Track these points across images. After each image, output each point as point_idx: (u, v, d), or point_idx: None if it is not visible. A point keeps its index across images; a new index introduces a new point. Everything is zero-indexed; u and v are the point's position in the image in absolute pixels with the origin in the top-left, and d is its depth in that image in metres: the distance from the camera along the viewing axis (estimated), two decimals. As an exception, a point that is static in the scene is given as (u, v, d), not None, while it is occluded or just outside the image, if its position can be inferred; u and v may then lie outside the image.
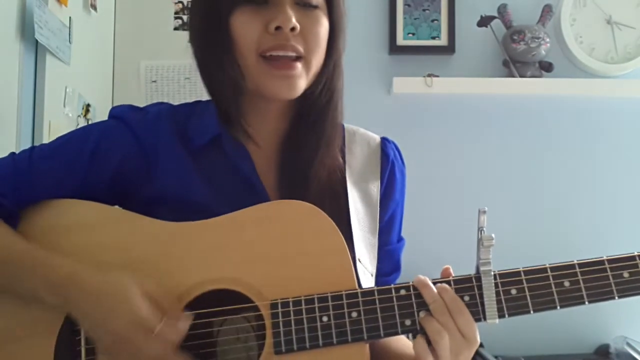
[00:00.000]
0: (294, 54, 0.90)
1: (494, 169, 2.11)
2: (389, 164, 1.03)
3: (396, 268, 1.03)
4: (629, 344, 1.90)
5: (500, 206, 2.05)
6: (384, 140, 1.06)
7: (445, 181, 2.09)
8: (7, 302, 0.87)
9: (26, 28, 1.49)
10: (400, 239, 1.05)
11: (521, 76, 2.04)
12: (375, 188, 0.99)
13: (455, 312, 0.81)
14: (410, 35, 2.12)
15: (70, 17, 1.73)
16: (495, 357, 1.89)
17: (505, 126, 2.12)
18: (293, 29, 0.89)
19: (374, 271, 0.95)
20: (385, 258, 0.99)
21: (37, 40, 1.51)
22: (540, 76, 2.06)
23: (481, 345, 1.96)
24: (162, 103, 1.03)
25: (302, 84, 0.92)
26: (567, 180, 2.11)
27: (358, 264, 0.89)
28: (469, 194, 2.08)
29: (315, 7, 0.92)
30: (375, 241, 0.96)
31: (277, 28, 0.88)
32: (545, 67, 2.06)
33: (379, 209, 0.99)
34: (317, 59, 0.94)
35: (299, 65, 0.91)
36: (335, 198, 0.92)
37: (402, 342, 0.97)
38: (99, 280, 0.83)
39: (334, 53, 0.96)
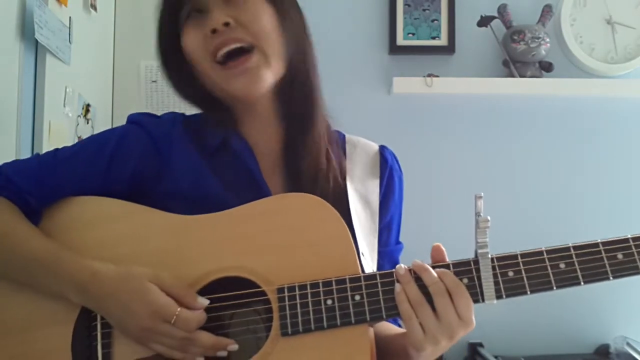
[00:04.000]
0: (239, 44, 0.94)
1: (494, 168, 2.11)
2: (387, 168, 1.07)
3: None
4: (629, 344, 1.90)
5: (500, 205, 2.05)
6: (382, 147, 1.10)
7: (445, 181, 2.09)
8: (27, 292, 0.92)
9: (26, 28, 1.48)
10: (398, 242, 1.08)
11: (521, 76, 2.04)
12: (375, 192, 1.03)
13: (456, 295, 0.83)
14: (410, 35, 2.12)
15: (70, 17, 1.73)
16: (495, 357, 1.89)
17: (505, 126, 2.12)
18: (227, 24, 0.93)
19: (375, 268, 0.97)
20: (384, 259, 1.02)
21: (37, 40, 1.51)
22: (540, 76, 2.06)
23: (481, 345, 1.96)
24: (175, 112, 1.09)
25: (265, 74, 0.95)
26: (567, 180, 2.11)
27: (362, 257, 0.92)
28: (469, 193, 2.07)
29: None
30: (375, 242, 1.00)
31: (213, 31, 0.93)
32: (545, 67, 2.06)
33: (378, 211, 1.02)
34: (273, 45, 0.96)
35: (253, 57, 0.94)
36: (337, 202, 0.94)
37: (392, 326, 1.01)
38: (117, 278, 0.87)
39: (288, 38, 0.98)
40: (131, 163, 0.98)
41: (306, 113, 1.00)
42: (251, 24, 0.94)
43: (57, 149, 1.01)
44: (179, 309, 0.84)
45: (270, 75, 0.96)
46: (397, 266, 0.86)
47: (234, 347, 0.87)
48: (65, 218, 0.96)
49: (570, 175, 2.11)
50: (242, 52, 0.94)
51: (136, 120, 1.03)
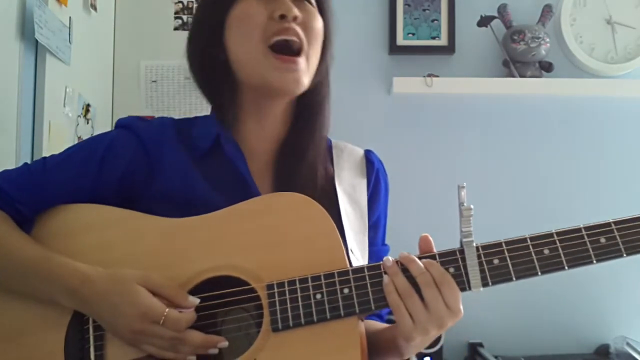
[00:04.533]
0: (297, 40, 0.97)
1: (493, 169, 2.11)
2: (374, 170, 1.10)
3: None
4: (629, 344, 1.90)
5: (499, 206, 2.05)
6: (367, 151, 1.13)
7: (445, 181, 2.09)
8: (19, 299, 0.93)
9: (26, 28, 1.49)
10: (384, 244, 1.11)
11: (521, 76, 2.04)
12: (363, 193, 1.06)
13: (443, 285, 0.84)
14: (410, 35, 2.12)
15: (70, 17, 1.73)
16: (495, 357, 1.89)
17: (505, 126, 2.12)
18: (295, 17, 0.97)
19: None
20: (372, 258, 1.03)
21: (37, 40, 1.51)
22: (540, 76, 2.06)
23: (481, 345, 1.96)
24: (164, 117, 1.08)
25: (305, 79, 0.99)
26: (567, 180, 2.11)
27: (351, 254, 0.94)
28: (469, 193, 2.07)
29: (311, 3, 1.01)
30: (365, 240, 1.02)
31: (282, 16, 0.96)
32: (545, 67, 2.06)
33: (367, 211, 1.04)
34: (315, 55, 1.01)
35: (301, 60, 0.97)
36: (327, 203, 0.95)
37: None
38: (107, 282, 0.88)
39: (327, 55, 1.05)
40: (121, 167, 0.98)
41: (316, 125, 1.03)
42: (311, 28, 0.99)
43: (45, 158, 1.02)
44: (167, 310, 0.85)
45: (307, 82, 0.99)
46: (385, 258, 0.87)
47: (224, 344, 0.87)
48: (57, 225, 0.96)
49: (570, 175, 2.11)
50: (290, 50, 0.97)
51: (125, 125, 1.03)
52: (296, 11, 0.97)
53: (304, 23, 0.98)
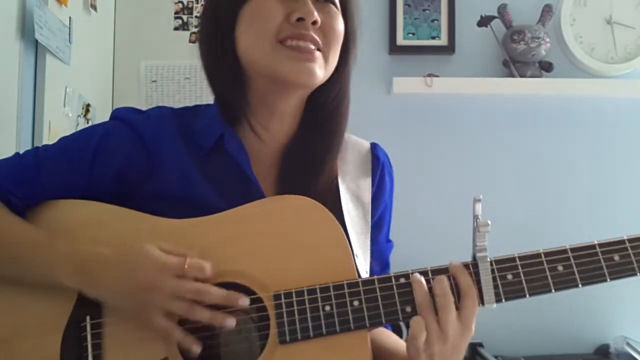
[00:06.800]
0: (313, 46, 0.91)
1: (493, 168, 2.11)
2: (379, 166, 1.05)
3: (385, 267, 1.05)
4: (629, 344, 1.90)
5: (500, 206, 2.05)
6: (373, 145, 1.08)
7: (445, 181, 2.09)
8: (13, 300, 0.89)
9: (26, 28, 1.49)
10: (389, 241, 1.07)
11: (521, 76, 2.04)
12: (367, 190, 1.01)
13: (443, 309, 0.82)
14: (410, 35, 2.11)
15: (70, 17, 1.73)
16: (495, 357, 1.89)
17: (505, 126, 2.12)
18: (314, 22, 0.91)
19: (368, 269, 0.96)
20: (374, 257, 1.00)
21: (37, 40, 1.51)
22: (540, 76, 2.06)
23: (481, 345, 1.96)
24: (162, 107, 1.04)
25: (320, 74, 0.93)
26: (567, 180, 2.11)
27: (355, 258, 0.90)
28: (469, 193, 2.07)
29: (334, 3, 0.95)
30: (367, 242, 0.98)
31: (299, 19, 0.90)
32: (545, 67, 2.06)
33: (370, 210, 1.00)
34: (334, 57, 0.95)
35: (318, 54, 0.92)
36: (329, 201, 0.92)
37: (396, 339, 1.00)
38: (118, 252, 0.84)
39: (349, 59, 0.98)
40: (116, 161, 0.94)
41: (337, 136, 0.99)
42: (328, 31, 0.93)
43: (37, 147, 0.98)
44: (188, 259, 0.81)
45: (322, 77, 0.94)
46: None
47: (246, 301, 0.82)
48: (49, 222, 0.92)
49: (571, 175, 2.11)
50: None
51: (122, 117, 0.98)
52: (316, 15, 0.90)
53: (323, 27, 0.92)
